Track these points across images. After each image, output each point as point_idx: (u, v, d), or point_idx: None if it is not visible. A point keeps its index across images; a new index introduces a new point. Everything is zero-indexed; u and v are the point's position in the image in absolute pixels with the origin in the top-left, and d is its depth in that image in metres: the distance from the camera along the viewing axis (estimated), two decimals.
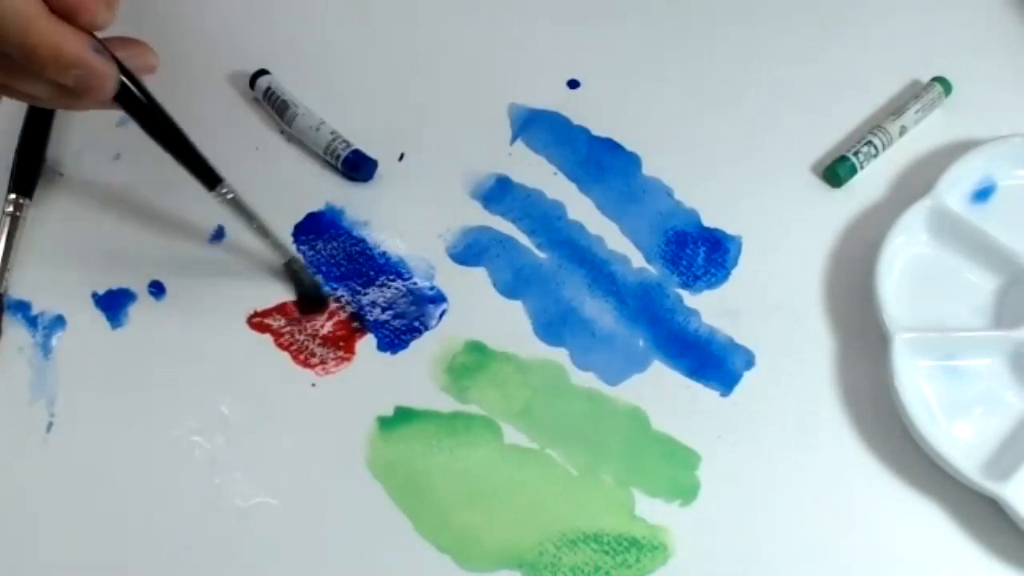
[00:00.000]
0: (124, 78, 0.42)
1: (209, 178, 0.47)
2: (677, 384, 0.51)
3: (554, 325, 0.52)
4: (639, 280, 0.54)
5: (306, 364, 0.50)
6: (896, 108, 0.57)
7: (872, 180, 0.56)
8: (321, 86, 0.58)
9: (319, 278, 0.52)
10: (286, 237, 0.53)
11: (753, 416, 0.50)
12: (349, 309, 0.52)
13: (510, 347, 0.51)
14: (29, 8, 0.38)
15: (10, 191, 0.53)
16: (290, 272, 0.52)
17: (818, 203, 0.56)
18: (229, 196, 0.47)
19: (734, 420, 0.50)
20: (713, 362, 0.51)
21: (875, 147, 0.56)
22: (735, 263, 0.54)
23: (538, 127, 0.58)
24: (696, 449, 0.49)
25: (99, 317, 0.52)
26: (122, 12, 0.58)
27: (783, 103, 0.59)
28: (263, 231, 0.49)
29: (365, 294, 0.53)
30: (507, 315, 0.52)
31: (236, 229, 0.54)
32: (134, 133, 0.57)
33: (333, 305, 0.52)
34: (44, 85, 0.41)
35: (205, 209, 0.55)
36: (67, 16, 0.40)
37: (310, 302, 0.52)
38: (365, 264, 0.54)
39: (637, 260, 0.54)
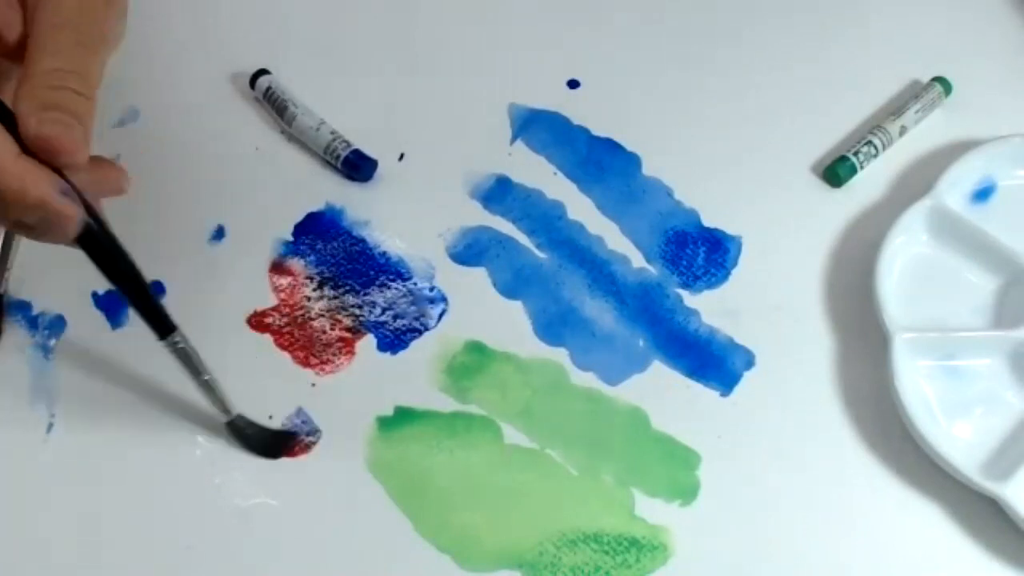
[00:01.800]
0: (89, 219, 0.40)
1: (163, 326, 0.44)
2: (677, 384, 0.51)
3: (554, 325, 0.52)
4: (639, 280, 0.54)
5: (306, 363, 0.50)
6: (896, 108, 0.58)
7: (872, 180, 0.56)
8: (321, 86, 0.58)
9: (265, 427, 0.49)
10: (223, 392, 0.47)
11: (753, 416, 0.50)
12: (349, 313, 0.52)
13: (510, 347, 0.51)
14: None
15: None
16: (234, 430, 0.48)
17: (818, 203, 0.56)
18: (180, 346, 0.45)
19: (734, 420, 0.50)
20: (713, 362, 0.51)
21: (875, 147, 0.56)
22: (735, 263, 0.54)
23: (538, 127, 0.58)
24: (696, 449, 0.49)
25: (99, 317, 0.52)
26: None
27: (783, 103, 0.59)
28: (209, 387, 0.46)
29: (365, 294, 0.53)
30: (507, 315, 0.52)
31: (237, 229, 0.54)
32: (134, 133, 0.58)
33: (334, 308, 0.52)
34: (4, 218, 0.40)
35: (205, 209, 0.55)
36: (45, 156, 0.39)
37: (275, 445, 0.48)
38: (365, 264, 0.54)
39: (637, 260, 0.54)
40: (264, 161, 0.56)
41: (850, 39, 0.61)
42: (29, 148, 0.39)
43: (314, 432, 0.49)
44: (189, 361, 0.45)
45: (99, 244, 0.42)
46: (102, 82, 0.59)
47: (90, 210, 0.41)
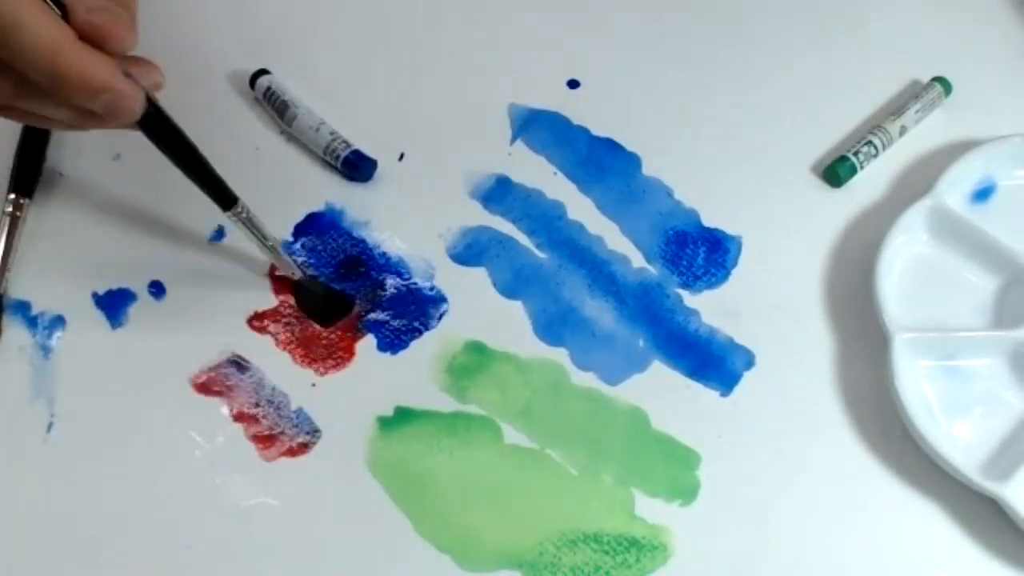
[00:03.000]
0: (149, 101, 0.42)
1: (225, 198, 0.47)
2: (677, 384, 0.51)
3: (554, 325, 0.52)
4: (639, 280, 0.54)
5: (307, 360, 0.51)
6: (896, 108, 0.57)
7: (872, 180, 0.56)
8: (321, 86, 0.58)
9: (332, 286, 0.52)
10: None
11: (753, 416, 0.50)
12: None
13: (510, 347, 0.51)
14: (57, 36, 0.38)
15: (10, 191, 0.53)
16: (303, 290, 0.52)
17: (818, 203, 0.56)
18: (244, 215, 0.48)
19: (734, 420, 0.50)
20: (713, 362, 0.51)
21: (875, 147, 0.56)
22: (735, 263, 0.54)
23: (538, 127, 0.58)
24: (696, 449, 0.49)
25: (99, 317, 0.52)
26: None
27: (783, 103, 0.59)
28: (275, 251, 0.50)
29: (365, 294, 0.53)
30: (507, 315, 0.52)
31: (237, 229, 0.54)
32: (134, 133, 0.58)
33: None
34: (68, 110, 0.41)
35: (205, 209, 0.55)
36: (96, 42, 0.39)
37: (333, 310, 0.52)
38: (365, 264, 0.53)
39: (637, 260, 0.54)
40: (264, 161, 0.56)
41: (850, 39, 0.61)
42: (80, 36, 0.39)
43: (314, 432, 0.49)
44: (255, 228, 0.49)
45: (160, 125, 0.44)
46: None
47: (147, 95, 0.42)
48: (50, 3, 0.39)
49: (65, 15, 0.39)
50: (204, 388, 0.50)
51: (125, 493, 0.47)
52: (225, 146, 0.57)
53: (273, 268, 0.53)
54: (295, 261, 0.52)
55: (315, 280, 0.52)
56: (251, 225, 0.49)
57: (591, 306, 0.53)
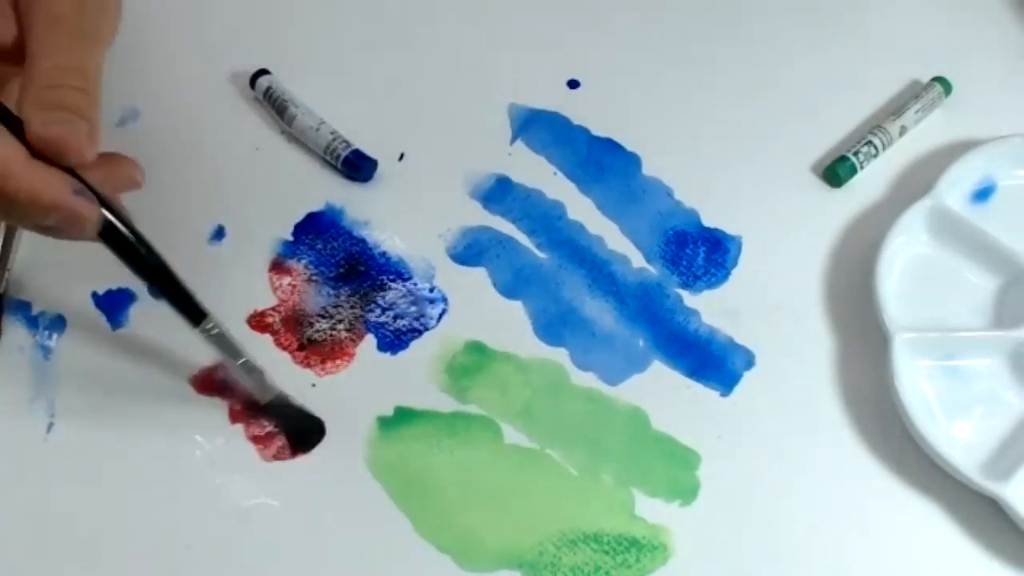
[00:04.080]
0: (109, 215, 0.40)
1: (194, 313, 0.44)
2: (677, 384, 0.51)
3: (554, 325, 0.52)
4: (639, 280, 0.54)
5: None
6: (896, 108, 0.58)
7: (872, 180, 0.56)
8: (321, 86, 0.58)
9: (306, 408, 0.49)
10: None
11: (753, 416, 0.50)
12: (349, 313, 0.52)
13: (510, 347, 0.51)
14: (4, 156, 0.38)
15: None
16: (275, 410, 0.48)
17: (818, 203, 0.56)
18: (215, 332, 0.45)
19: (734, 420, 0.50)
20: (713, 362, 0.51)
21: (875, 147, 0.56)
22: (735, 263, 0.54)
23: (538, 127, 0.58)
24: (696, 449, 0.49)
25: (99, 317, 0.52)
26: (123, 13, 0.59)
27: (783, 103, 0.59)
28: (248, 369, 0.47)
29: (365, 294, 0.53)
30: (507, 315, 0.52)
31: (237, 229, 0.54)
32: (134, 133, 0.58)
33: (333, 309, 0.52)
34: (28, 223, 0.40)
35: (205, 209, 0.55)
36: (51, 157, 0.39)
37: (304, 437, 0.49)
38: (365, 264, 0.53)
39: (637, 260, 0.54)
40: (264, 161, 0.56)
41: (850, 39, 0.61)
42: (37, 151, 0.39)
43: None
44: (226, 345, 0.46)
45: (122, 239, 0.42)
46: (101, 82, 0.59)
47: (109, 206, 0.41)
48: (4, 117, 0.38)
49: (21, 129, 0.38)
50: (203, 385, 0.50)
51: (125, 493, 0.47)
52: (225, 146, 0.57)
53: (273, 267, 0.53)
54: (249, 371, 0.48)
55: (292, 403, 0.49)
56: (223, 342, 0.45)
57: (591, 306, 0.53)
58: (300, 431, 0.49)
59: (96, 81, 0.41)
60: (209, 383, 0.50)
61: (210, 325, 0.45)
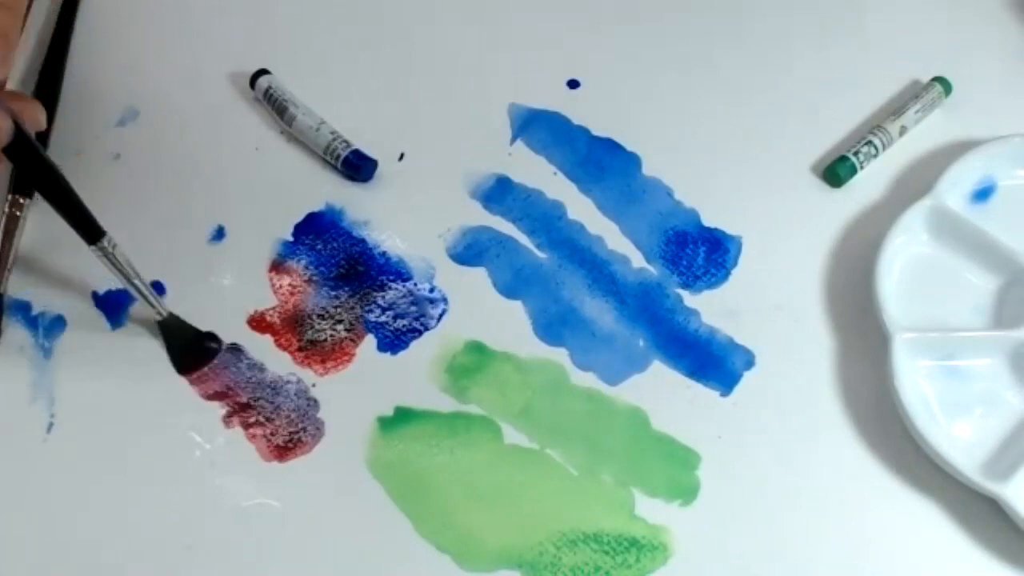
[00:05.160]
0: (17, 128, 0.43)
1: (91, 231, 0.47)
2: (677, 384, 0.51)
3: (554, 325, 0.52)
4: (639, 280, 0.54)
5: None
6: (896, 108, 0.58)
7: (872, 180, 0.56)
8: (321, 86, 0.58)
9: (198, 330, 0.51)
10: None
11: (753, 416, 0.50)
12: (349, 313, 0.52)
13: (510, 347, 0.51)
14: None
15: (10, 191, 0.53)
16: (164, 329, 0.50)
17: (818, 203, 0.56)
18: (110, 250, 0.47)
19: (734, 420, 0.50)
20: (713, 362, 0.51)
21: (875, 147, 0.56)
22: (735, 263, 0.54)
23: (538, 127, 0.58)
24: (696, 449, 0.49)
25: (99, 317, 0.52)
26: (123, 13, 0.59)
27: (783, 103, 0.59)
28: (139, 291, 0.49)
29: (365, 294, 0.53)
30: (507, 315, 0.52)
31: (237, 229, 0.54)
32: (134, 133, 0.58)
33: (333, 309, 0.52)
34: None
35: (205, 209, 0.55)
36: None
37: (190, 355, 0.50)
38: (365, 264, 0.53)
39: (637, 260, 0.54)
40: (264, 161, 0.56)
41: (850, 39, 0.61)
42: None
43: (316, 428, 0.49)
44: (120, 266, 0.48)
45: (24, 153, 0.44)
46: (101, 81, 0.60)
47: (17, 125, 0.42)
48: None
49: None
50: (199, 381, 0.50)
51: (125, 493, 0.47)
52: (225, 146, 0.57)
53: (273, 267, 0.53)
54: (157, 299, 0.50)
55: (181, 321, 0.50)
56: (116, 261, 0.47)
57: (591, 306, 0.53)
58: (188, 349, 0.50)
59: (22, 3, 0.42)
60: (208, 384, 0.50)
61: (106, 244, 0.47)
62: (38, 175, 0.45)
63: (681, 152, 0.57)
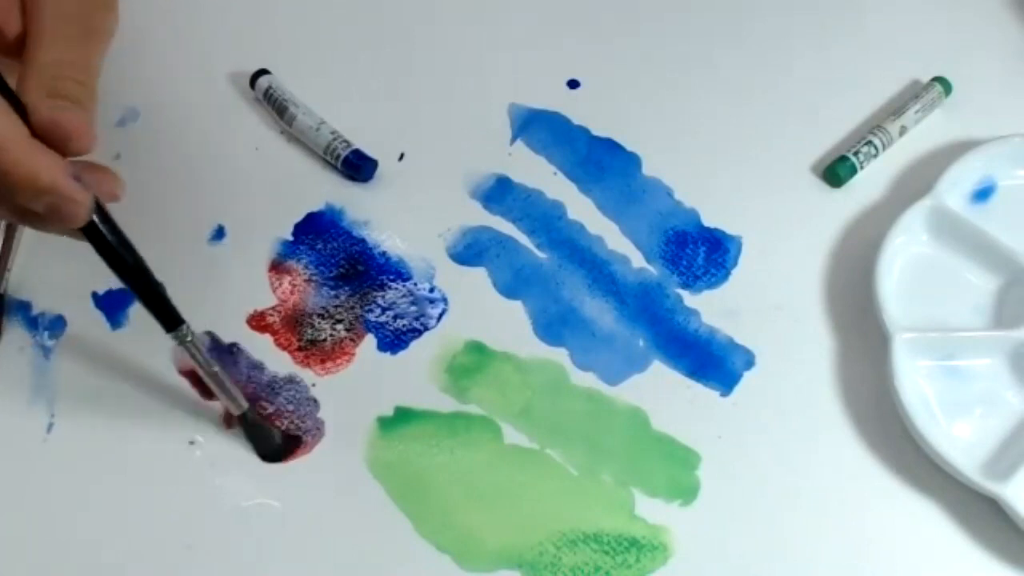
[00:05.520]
0: (100, 210, 0.41)
1: (170, 319, 0.44)
2: (677, 384, 0.51)
3: (554, 325, 0.52)
4: (639, 280, 0.54)
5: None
6: (896, 108, 0.57)
7: (872, 180, 0.56)
8: (321, 86, 0.58)
9: (275, 429, 0.49)
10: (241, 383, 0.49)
11: (753, 416, 0.50)
12: (349, 313, 0.52)
13: (510, 347, 0.51)
14: (7, 131, 0.38)
15: None
16: (246, 425, 0.48)
17: (818, 203, 0.56)
18: (188, 339, 0.45)
19: (734, 420, 0.50)
20: (713, 362, 0.51)
21: (875, 147, 0.56)
22: (735, 263, 0.54)
23: (538, 127, 0.58)
24: (696, 449, 0.49)
25: (99, 317, 0.52)
26: (123, 13, 0.59)
27: (783, 103, 0.59)
28: (218, 380, 0.46)
29: (365, 294, 0.53)
30: (507, 315, 0.52)
31: (237, 229, 0.54)
32: (134, 133, 0.58)
33: (333, 309, 0.52)
34: (9, 206, 0.40)
35: (205, 209, 0.55)
36: (55, 141, 0.39)
37: (272, 454, 0.48)
38: (365, 264, 0.53)
39: (637, 260, 0.54)
40: (264, 161, 0.56)
41: (850, 39, 0.61)
42: (39, 134, 0.39)
43: (317, 428, 0.49)
44: (198, 353, 0.45)
45: (105, 235, 0.42)
46: (101, 81, 0.60)
47: (96, 202, 0.41)
48: (7, 98, 0.39)
49: (25, 113, 0.39)
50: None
51: (125, 493, 0.47)
52: (225, 146, 0.57)
53: (273, 267, 0.53)
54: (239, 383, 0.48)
55: (261, 418, 0.49)
56: (195, 350, 0.45)
57: (591, 306, 0.53)
58: (271, 446, 0.48)
59: (95, 77, 0.42)
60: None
61: (184, 332, 0.45)
62: (117, 258, 0.42)
63: (681, 152, 0.57)
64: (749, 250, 0.54)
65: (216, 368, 0.46)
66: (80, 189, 0.39)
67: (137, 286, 0.44)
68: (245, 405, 0.47)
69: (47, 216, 0.40)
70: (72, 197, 0.39)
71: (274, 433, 0.48)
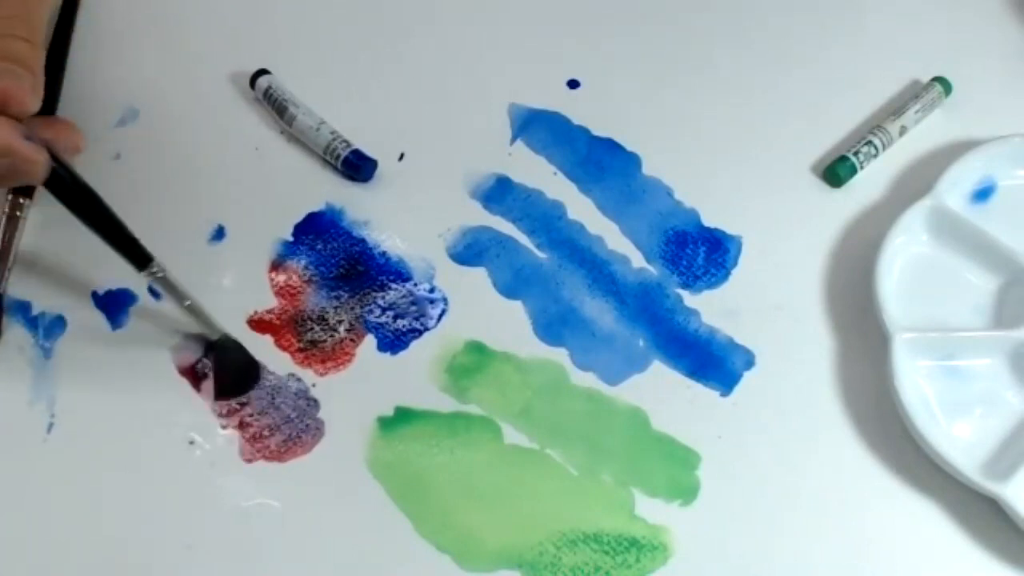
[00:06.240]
0: (55, 163, 0.43)
1: (139, 258, 0.47)
2: (677, 384, 0.51)
3: (554, 325, 0.52)
4: (639, 280, 0.54)
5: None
6: (896, 108, 0.58)
7: (872, 180, 0.56)
8: (321, 86, 0.58)
9: (250, 353, 0.50)
10: (214, 314, 0.50)
11: (753, 416, 0.50)
12: (349, 313, 0.52)
13: (510, 347, 0.51)
14: None
15: (10, 191, 0.53)
16: (219, 350, 0.50)
17: (818, 203, 0.56)
18: (160, 275, 0.47)
19: (734, 420, 0.50)
20: (713, 362, 0.51)
21: (875, 147, 0.56)
22: (735, 263, 0.54)
23: (538, 127, 0.58)
24: (696, 449, 0.49)
25: (99, 317, 0.52)
26: (123, 13, 0.59)
27: (783, 103, 0.59)
28: (194, 310, 0.49)
29: (365, 294, 0.53)
30: (507, 315, 0.52)
31: (237, 229, 0.54)
32: (134, 133, 0.58)
33: (333, 309, 0.52)
34: None
35: (205, 209, 0.55)
36: (2, 108, 0.40)
37: (240, 381, 0.50)
38: (365, 264, 0.53)
39: (637, 260, 0.54)
40: (264, 161, 0.56)
41: (850, 39, 0.61)
42: None
43: (317, 428, 0.49)
44: (171, 289, 0.48)
45: (67, 185, 0.44)
46: (101, 81, 0.60)
47: (54, 155, 0.42)
48: None
49: None
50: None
51: (125, 493, 0.47)
52: (225, 146, 0.57)
53: (273, 267, 0.53)
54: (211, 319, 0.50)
55: (236, 342, 0.50)
56: (168, 285, 0.48)
57: (591, 306, 0.53)
58: (236, 376, 0.50)
59: (41, 33, 0.43)
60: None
61: (155, 269, 0.47)
62: (80, 204, 0.45)
63: (681, 152, 0.57)
64: (749, 250, 0.54)
65: (190, 301, 0.48)
66: (35, 148, 0.41)
67: (104, 230, 0.46)
68: (222, 330, 0.49)
69: (7, 175, 0.41)
70: (28, 157, 0.41)
71: (249, 358, 0.50)
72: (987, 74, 0.60)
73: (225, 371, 0.50)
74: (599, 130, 0.58)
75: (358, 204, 0.55)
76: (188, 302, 0.48)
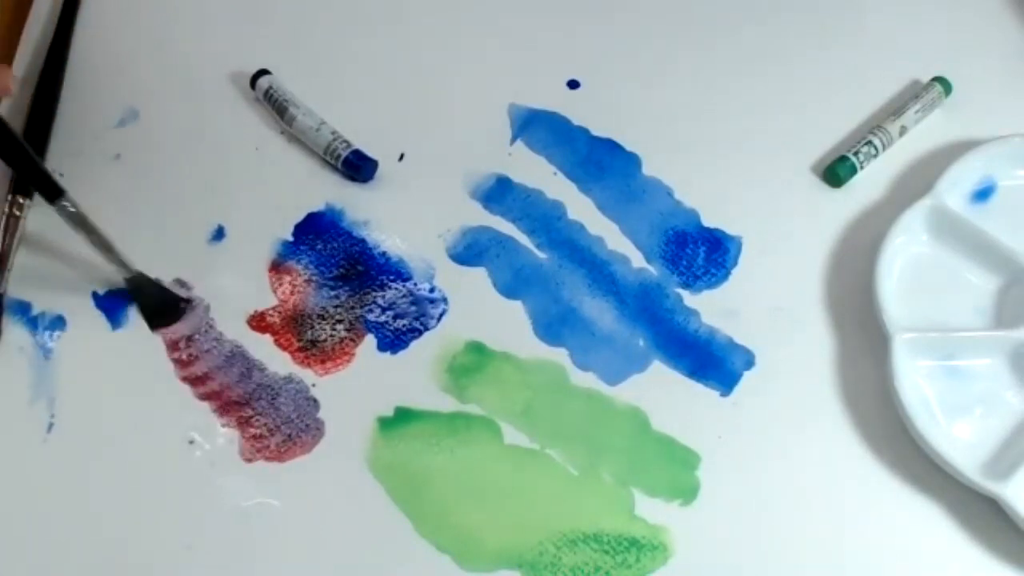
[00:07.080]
0: None
1: (52, 191, 0.48)
2: (677, 384, 0.51)
3: (554, 325, 0.52)
4: (639, 280, 0.54)
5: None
6: (896, 108, 0.57)
7: (872, 180, 0.56)
8: (321, 86, 0.58)
9: (165, 285, 0.52)
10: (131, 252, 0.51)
11: (753, 416, 0.50)
12: (349, 313, 0.52)
13: (510, 347, 0.51)
14: None
15: (10, 191, 0.53)
16: (132, 288, 0.51)
17: (818, 203, 0.56)
18: (71, 210, 0.48)
19: (734, 420, 0.50)
20: (713, 362, 0.51)
21: (875, 147, 0.56)
22: (735, 263, 0.54)
23: (538, 127, 0.58)
24: (696, 449, 0.49)
25: (99, 317, 0.52)
26: (123, 13, 0.59)
27: (783, 103, 0.59)
28: (105, 246, 0.49)
29: (365, 294, 0.53)
30: (507, 315, 0.52)
31: (237, 229, 0.54)
32: (134, 133, 0.58)
33: (333, 309, 0.52)
34: None
35: (205, 209, 0.55)
36: None
37: (160, 313, 0.51)
38: (365, 264, 0.53)
39: (637, 260, 0.54)
40: (264, 161, 0.56)
41: (850, 39, 0.61)
42: None
43: (317, 428, 0.49)
44: (82, 223, 0.48)
45: None
46: (101, 81, 0.60)
47: None
48: None
49: None
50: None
51: (125, 493, 0.47)
52: (225, 146, 0.57)
53: (273, 267, 0.53)
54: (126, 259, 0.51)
55: (149, 279, 0.51)
56: (79, 219, 0.48)
57: (591, 306, 0.53)
58: (156, 308, 0.51)
59: None
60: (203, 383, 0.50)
61: (66, 203, 0.48)
62: None
63: (681, 152, 0.57)
64: (749, 250, 0.54)
65: (101, 234, 0.49)
66: None
67: (17, 162, 0.47)
68: (135, 269, 0.50)
69: None
70: None
71: (165, 293, 0.51)
72: (987, 74, 0.60)
73: (144, 309, 0.51)
74: (599, 130, 0.58)
75: (358, 204, 0.55)
76: (101, 234, 0.49)
